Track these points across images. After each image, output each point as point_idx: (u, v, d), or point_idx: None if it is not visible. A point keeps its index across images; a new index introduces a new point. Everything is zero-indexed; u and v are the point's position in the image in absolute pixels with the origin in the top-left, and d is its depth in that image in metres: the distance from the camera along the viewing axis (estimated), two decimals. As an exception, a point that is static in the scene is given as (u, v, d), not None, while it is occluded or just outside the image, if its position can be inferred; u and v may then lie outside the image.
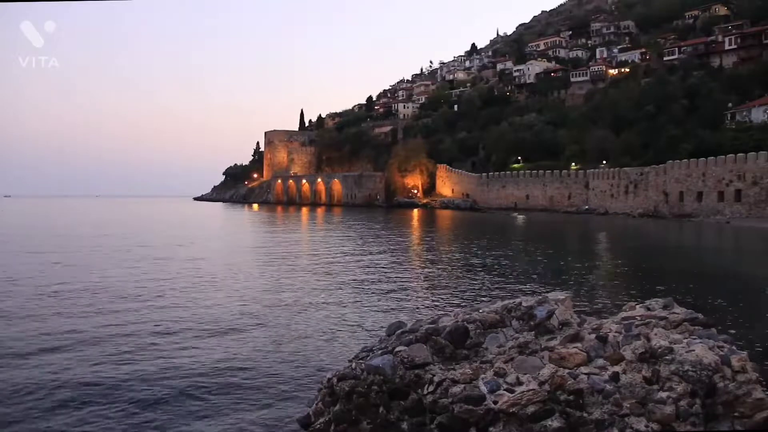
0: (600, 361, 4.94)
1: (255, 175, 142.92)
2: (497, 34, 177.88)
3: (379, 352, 5.62)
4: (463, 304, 14.09)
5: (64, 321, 12.48)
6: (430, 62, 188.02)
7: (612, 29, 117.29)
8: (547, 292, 6.16)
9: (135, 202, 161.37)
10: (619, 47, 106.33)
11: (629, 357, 4.89)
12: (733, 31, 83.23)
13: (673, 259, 25.23)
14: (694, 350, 4.75)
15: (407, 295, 16.05)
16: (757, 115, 63.14)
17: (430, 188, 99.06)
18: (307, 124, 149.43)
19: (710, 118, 66.83)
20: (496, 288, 17.04)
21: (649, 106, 72.44)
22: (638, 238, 39.07)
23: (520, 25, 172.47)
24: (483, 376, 5.03)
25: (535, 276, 19.59)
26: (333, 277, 19.57)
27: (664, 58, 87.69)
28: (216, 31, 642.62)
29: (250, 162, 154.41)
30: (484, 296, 15.43)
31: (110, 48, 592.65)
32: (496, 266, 22.23)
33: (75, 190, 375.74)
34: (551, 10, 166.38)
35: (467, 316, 5.67)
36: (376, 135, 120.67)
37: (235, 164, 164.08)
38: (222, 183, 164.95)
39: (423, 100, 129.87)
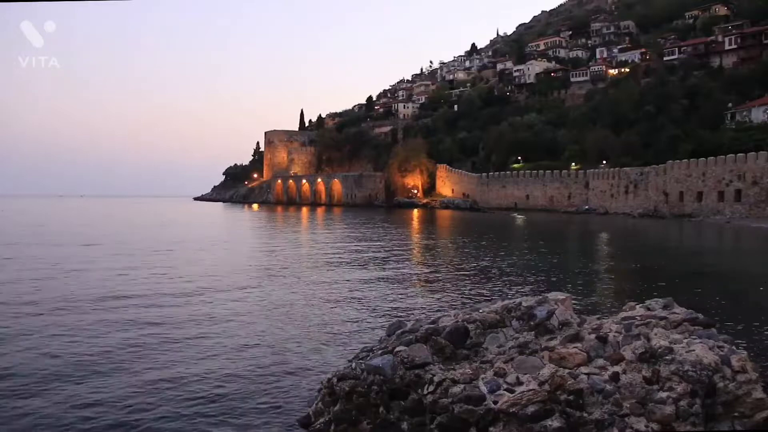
0: (600, 361, 4.95)
1: (255, 175, 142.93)
2: (497, 34, 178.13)
3: (379, 352, 5.62)
4: (463, 304, 14.09)
5: (68, 317, 12.48)
6: (430, 62, 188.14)
7: (612, 29, 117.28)
8: (547, 292, 6.16)
9: (134, 203, 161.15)
10: (619, 47, 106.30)
11: (629, 357, 4.89)
12: (733, 31, 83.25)
13: (673, 259, 25.22)
14: (694, 350, 4.75)
15: (407, 295, 16.04)
16: (757, 115, 63.16)
17: (430, 188, 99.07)
18: (307, 124, 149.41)
19: (710, 118, 66.86)
20: (496, 288, 17.03)
21: (649, 106, 72.47)
22: (638, 238, 39.07)
23: (520, 25, 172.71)
24: (483, 376, 5.03)
25: (535, 276, 19.59)
26: (333, 277, 19.56)
27: (664, 58, 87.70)
28: (216, 32, 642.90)
29: (250, 162, 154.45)
30: (484, 296, 15.42)
31: (110, 48, 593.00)
32: (496, 266, 22.23)
33: (63, 190, 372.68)
34: (551, 10, 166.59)
35: (467, 316, 5.67)
36: (376, 135, 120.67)
37: (235, 164, 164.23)
38: (222, 183, 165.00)
39: (423, 100, 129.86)
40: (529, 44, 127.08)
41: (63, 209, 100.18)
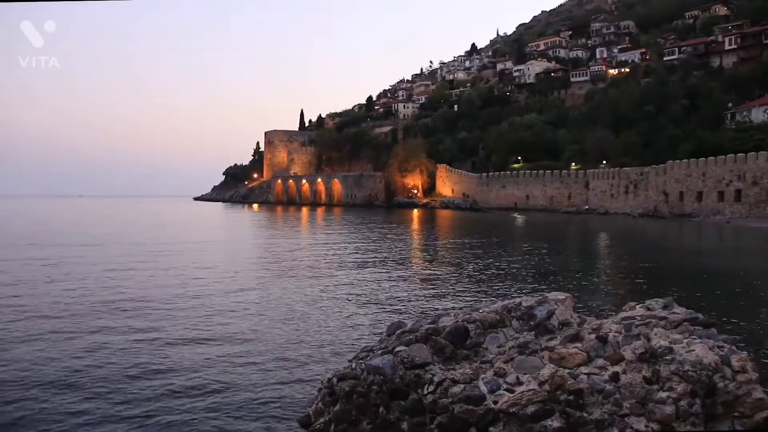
0: (600, 361, 4.94)
1: (255, 175, 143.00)
2: (497, 34, 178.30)
3: (379, 352, 5.62)
4: (463, 303, 14.09)
5: (55, 319, 12.48)
6: (430, 62, 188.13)
7: (612, 29, 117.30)
8: (547, 292, 6.16)
9: (134, 203, 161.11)
10: (619, 47, 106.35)
11: (629, 357, 4.89)
12: (733, 31, 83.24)
13: (673, 259, 25.22)
14: (694, 350, 4.75)
15: (407, 295, 16.04)
16: (757, 115, 63.15)
17: (430, 188, 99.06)
18: (307, 124, 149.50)
19: (710, 118, 66.84)
20: (496, 288, 17.04)
21: (649, 106, 72.45)
22: (638, 238, 39.07)
23: (520, 25, 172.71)
24: (483, 376, 5.02)
25: (535, 276, 19.59)
26: (333, 277, 19.57)
27: (664, 58, 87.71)
28: (216, 32, 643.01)
29: (250, 162, 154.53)
30: (484, 296, 15.43)
31: (110, 48, 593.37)
32: (496, 266, 22.23)
33: (62, 190, 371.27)
34: (551, 10, 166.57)
35: (467, 316, 5.66)
36: (376, 135, 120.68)
37: (235, 164, 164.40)
38: (222, 183, 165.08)
39: (423, 100, 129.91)
40: (529, 44, 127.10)
41: (63, 209, 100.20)
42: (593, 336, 5.22)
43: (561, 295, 5.87)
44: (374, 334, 10.47)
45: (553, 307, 5.56)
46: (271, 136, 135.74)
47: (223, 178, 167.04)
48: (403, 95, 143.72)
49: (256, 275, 20.35)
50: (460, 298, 15.53)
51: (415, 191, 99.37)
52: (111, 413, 7.31)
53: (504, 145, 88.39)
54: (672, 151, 63.40)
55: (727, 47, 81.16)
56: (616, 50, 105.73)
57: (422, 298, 15.78)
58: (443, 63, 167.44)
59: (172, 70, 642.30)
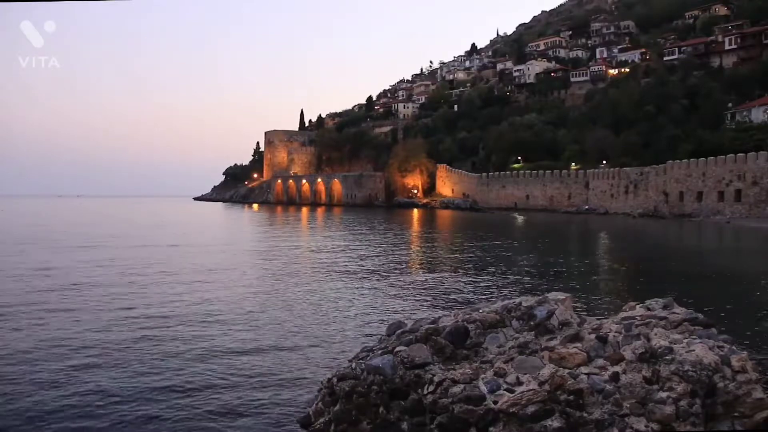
0: (600, 361, 4.94)
1: (255, 175, 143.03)
2: (497, 34, 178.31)
3: (379, 352, 5.62)
4: (463, 304, 14.08)
5: (69, 315, 12.48)
6: (430, 62, 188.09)
7: (612, 29, 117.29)
8: (547, 292, 6.15)
9: (134, 203, 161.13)
10: (619, 47, 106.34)
11: (629, 357, 4.89)
12: (733, 31, 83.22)
13: (673, 259, 25.22)
14: (694, 350, 4.75)
15: (407, 295, 16.04)
16: (757, 115, 63.13)
17: (430, 188, 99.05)
18: (307, 124, 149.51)
19: (710, 118, 66.84)
20: (496, 288, 17.03)
21: (649, 106, 72.45)
22: (638, 238, 39.07)
23: (520, 25, 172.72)
24: (483, 376, 5.03)
25: (535, 276, 19.59)
26: (333, 277, 19.57)
27: (664, 58, 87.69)
28: (216, 32, 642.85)
29: (250, 162, 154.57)
30: (484, 296, 15.43)
31: (110, 48, 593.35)
32: (496, 266, 22.22)
33: (62, 190, 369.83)
34: (551, 10, 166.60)
35: (467, 316, 5.67)
36: (376, 135, 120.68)
37: (235, 164, 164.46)
38: (222, 183, 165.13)
39: (423, 100, 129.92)
40: (529, 44, 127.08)
41: (63, 210, 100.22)
42: (593, 336, 5.22)
43: (561, 295, 5.87)
44: (374, 334, 10.47)
45: (553, 307, 5.57)
46: (271, 136, 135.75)
47: (223, 178, 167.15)
48: (403, 95, 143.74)
49: (255, 275, 20.34)
50: (460, 298, 15.52)
51: (415, 191, 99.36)
52: (109, 413, 7.31)
53: (504, 145, 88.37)
54: (672, 151, 63.40)
55: (727, 47, 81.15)
56: (616, 50, 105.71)
57: (422, 298, 15.77)
58: (443, 63, 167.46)
59: (172, 70, 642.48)
